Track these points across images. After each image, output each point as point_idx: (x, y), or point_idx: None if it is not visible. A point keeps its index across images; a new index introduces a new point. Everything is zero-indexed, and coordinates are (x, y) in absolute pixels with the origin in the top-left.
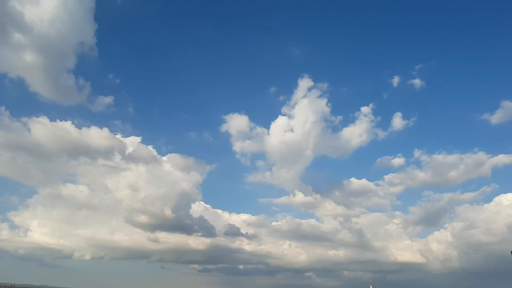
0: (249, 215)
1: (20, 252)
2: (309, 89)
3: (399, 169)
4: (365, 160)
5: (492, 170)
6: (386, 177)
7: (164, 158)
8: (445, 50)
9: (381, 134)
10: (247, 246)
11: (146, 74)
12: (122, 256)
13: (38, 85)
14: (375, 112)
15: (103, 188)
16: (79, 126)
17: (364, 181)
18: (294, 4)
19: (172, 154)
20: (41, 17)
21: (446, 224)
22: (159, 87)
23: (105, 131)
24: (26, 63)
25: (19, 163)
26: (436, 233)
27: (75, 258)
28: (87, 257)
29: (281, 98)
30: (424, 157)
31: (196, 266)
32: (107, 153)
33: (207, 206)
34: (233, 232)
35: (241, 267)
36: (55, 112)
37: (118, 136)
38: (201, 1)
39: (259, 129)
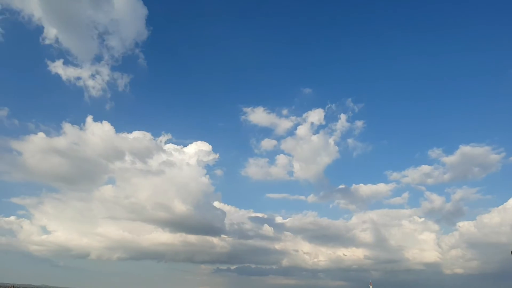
0: (263, 213)
1: (42, 252)
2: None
3: (419, 166)
4: (384, 160)
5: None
6: (405, 175)
7: (186, 154)
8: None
9: (401, 133)
10: (261, 245)
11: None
12: (143, 256)
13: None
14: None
15: (127, 188)
16: (117, 130)
17: (382, 180)
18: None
19: (195, 148)
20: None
21: (462, 224)
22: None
23: (135, 132)
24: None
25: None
26: (452, 233)
27: (87, 259)
28: (103, 257)
29: (312, 97)
30: (444, 155)
31: (209, 266)
32: (133, 154)
33: (225, 204)
34: (246, 231)
35: (253, 266)
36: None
37: (147, 137)
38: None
39: (284, 125)
